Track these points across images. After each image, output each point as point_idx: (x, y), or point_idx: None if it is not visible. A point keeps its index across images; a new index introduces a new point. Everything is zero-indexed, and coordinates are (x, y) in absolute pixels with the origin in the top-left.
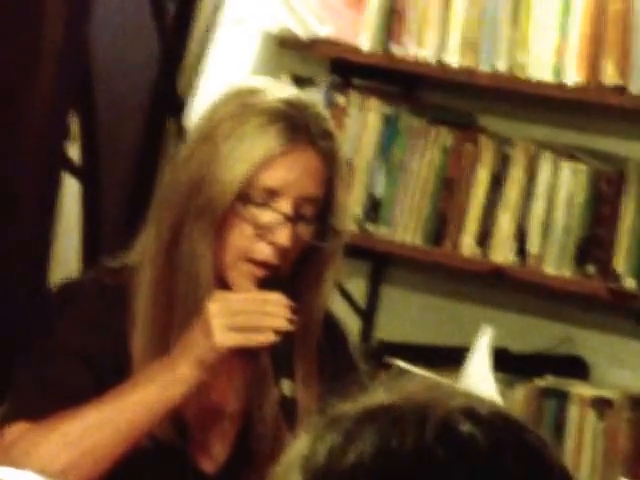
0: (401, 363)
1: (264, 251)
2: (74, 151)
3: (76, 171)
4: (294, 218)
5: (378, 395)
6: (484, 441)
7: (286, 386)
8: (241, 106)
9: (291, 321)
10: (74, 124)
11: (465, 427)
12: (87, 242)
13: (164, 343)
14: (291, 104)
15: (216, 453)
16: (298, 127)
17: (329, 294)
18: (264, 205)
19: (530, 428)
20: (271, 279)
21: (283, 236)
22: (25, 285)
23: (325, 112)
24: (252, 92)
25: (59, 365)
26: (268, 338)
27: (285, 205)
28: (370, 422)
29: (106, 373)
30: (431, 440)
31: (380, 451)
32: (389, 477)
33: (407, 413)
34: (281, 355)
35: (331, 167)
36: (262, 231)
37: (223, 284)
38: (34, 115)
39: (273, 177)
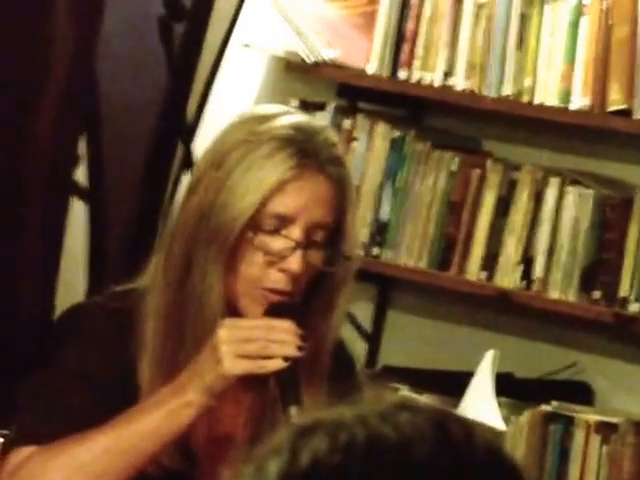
0: (405, 390)
1: (276, 279)
2: (81, 173)
3: (82, 193)
4: (305, 244)
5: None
6: (426, 423)
7: (294, 413)
8: (250, 133)
9: (300, 348)
10: (81, 146)
11: (404, 415)
12: (93, 264)
13: (173, 370)
14: (300, 130)
15: None
16: (307, 153)
17: (340, 322)
18: (274, 232)
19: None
20: (282, 306)
21: (295, 263)
22: (32, 308)
23: (334, 138)
24: (262, 119)
25: (65, 388)
26: (277, 365)
27: (296, 231)
28: (311, 433)
29: (113, 396)
30: (378, 425)
31: (333, 448)
32: (348, 467)
33: (346, 419)
34: (290, 382)
35: (341, 193)
36: (273, 258)
37: (235, 312)
38: (42, 139)
39: (283, 203)
